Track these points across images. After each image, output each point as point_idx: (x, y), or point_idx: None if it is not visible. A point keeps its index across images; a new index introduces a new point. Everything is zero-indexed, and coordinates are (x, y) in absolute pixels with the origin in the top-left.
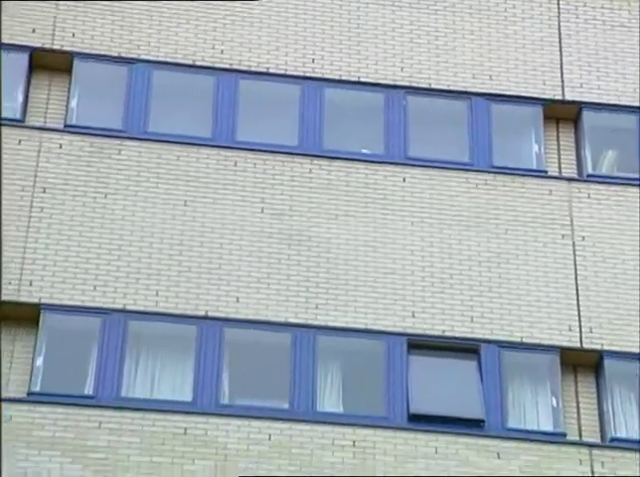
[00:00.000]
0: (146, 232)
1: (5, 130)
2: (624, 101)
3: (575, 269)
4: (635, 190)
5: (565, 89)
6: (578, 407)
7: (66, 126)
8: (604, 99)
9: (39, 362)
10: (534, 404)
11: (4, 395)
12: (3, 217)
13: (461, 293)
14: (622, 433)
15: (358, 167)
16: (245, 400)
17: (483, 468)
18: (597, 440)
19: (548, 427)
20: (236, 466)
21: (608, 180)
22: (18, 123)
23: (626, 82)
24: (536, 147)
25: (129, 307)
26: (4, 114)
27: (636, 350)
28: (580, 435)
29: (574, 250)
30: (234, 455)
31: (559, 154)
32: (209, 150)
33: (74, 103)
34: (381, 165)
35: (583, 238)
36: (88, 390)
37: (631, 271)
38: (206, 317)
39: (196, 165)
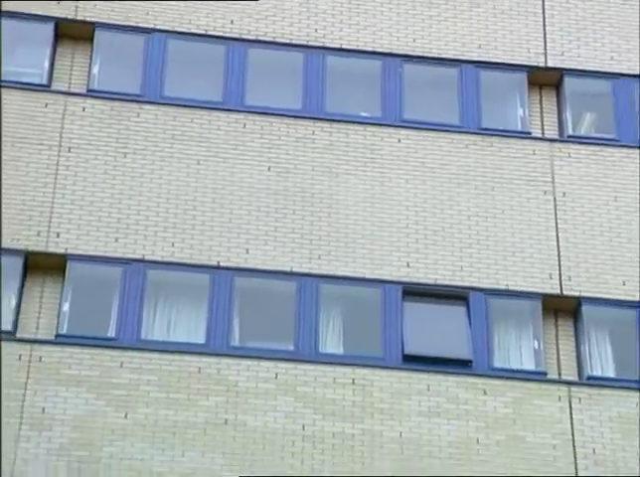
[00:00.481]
0: (163, 188)
1: (32, 94)
2: (602, 68)
3: (556, 223)
4: (611, 149)
5: (548, 57)
6: (558, 349)
7: (88, 91)
8: (584, 66)
9: (65, 307)
10: (517, 346)
11: (35, 337)
12: (32, 174)
13: (452, 245)
14: (598, 372)
15: (357, 129)
16: (254, 343)
17: (471, 404)
18: (575, 378)
19: (530, 367)
20: (245, 401)
21: (587, 140)
22: (44, 88)
23: (604, 51)
24: (520, 111)
25: (148, 257)
26: (31, 80)
27: (611, 296)
28: (560, 374)
29: (555, 205)
30: (243, 392)
31: (541, 117)
32: (220, 113)
33: (95, 70)
34: (378, 127)
35: (564, 193)
36: (111, 332)
37: (607, 224)
38: (218, 267)
39: (208, 127)
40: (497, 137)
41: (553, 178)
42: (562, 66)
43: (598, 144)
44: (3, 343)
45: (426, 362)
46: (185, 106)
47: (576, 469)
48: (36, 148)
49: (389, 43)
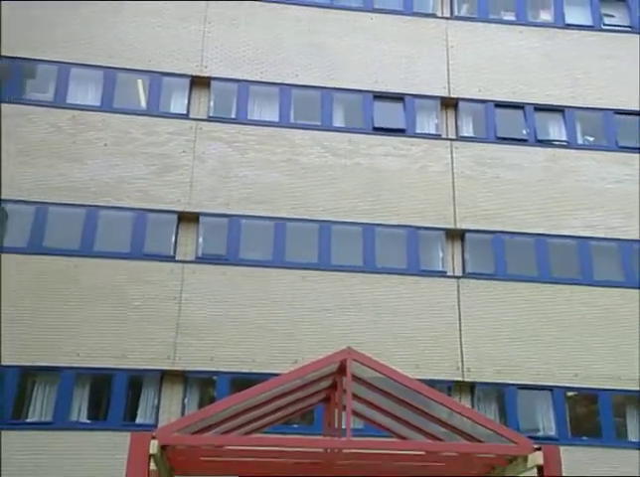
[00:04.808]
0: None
1: None
2: None
3: (447, 44)
4: None
5: None
6: (447, 126)
7: None
8: None
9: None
10: (427, 121)
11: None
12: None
13: (396, 75)
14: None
15: None
16: (304, 121)
17: (405, 149)
18: (453, 136)
19: (432, 132)
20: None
21: None
22: None
23: None
24: None
25: (245, 79)
26: None
27: (489, 95)
28: (447, 134)
29: (447, 37)
30: (301, 146)
31: None
32: None
33: None
34: None
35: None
36: (234, 115)
37: (482, 38)
38: (282, 83)
39: None
40: None
41: (446, 23)
42: None
43: None
44: None
45: (385, 130)
46: None
47: (453, 180)
48: None
49: None
